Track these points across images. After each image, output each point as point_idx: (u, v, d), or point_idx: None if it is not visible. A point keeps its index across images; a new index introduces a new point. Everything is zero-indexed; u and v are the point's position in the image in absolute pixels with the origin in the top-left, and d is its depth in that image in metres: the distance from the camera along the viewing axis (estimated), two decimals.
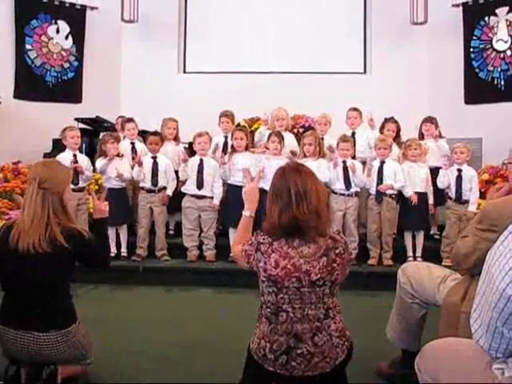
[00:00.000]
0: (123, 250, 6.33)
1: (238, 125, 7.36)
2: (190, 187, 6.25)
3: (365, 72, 10.31)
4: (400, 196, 6.17)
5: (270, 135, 6.26)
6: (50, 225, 2.83)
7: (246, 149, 6.29)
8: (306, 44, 10.08)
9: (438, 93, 9.40)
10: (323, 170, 5.96)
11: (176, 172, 6.42)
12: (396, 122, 6.68)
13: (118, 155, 6.29)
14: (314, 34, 10.13)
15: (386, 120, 6.71)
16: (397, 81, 9.64)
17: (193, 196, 6.21)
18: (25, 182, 6.74)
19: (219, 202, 6.24)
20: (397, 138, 6.60)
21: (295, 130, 7.62)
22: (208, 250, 6.27)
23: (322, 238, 2.44)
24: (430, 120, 6.70)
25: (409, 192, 6.05)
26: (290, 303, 2.43)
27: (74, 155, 6.20)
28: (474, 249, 2.65)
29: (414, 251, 6.18)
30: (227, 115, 6.83)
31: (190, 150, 6.81)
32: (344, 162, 6.11)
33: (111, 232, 6.20)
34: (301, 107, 8.11)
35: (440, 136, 6.57)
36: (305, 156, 6.12)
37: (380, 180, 6.10)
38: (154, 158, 6.30)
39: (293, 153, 6.21)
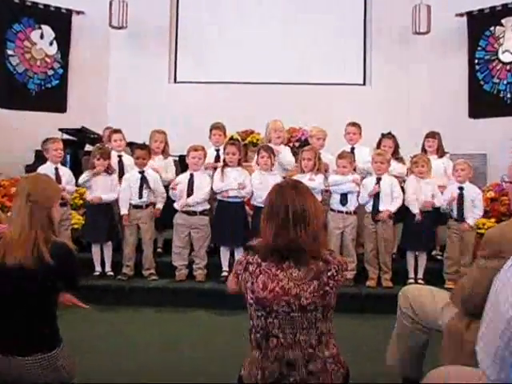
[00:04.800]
0: (108, 268, 6.32)
1: (231, 138, 7.43)
2: (180, 201, 6.24)
3: (364, 83, 10.33)
4: (403, 213, 6.18)
5: (258, 150, 6.33)
6: (37, 240, 2.81)
7: (239, 164, 6.34)
8: (302, 54, 10.13)
9: (441, 106, 9.43)
10: (319, 185, 6.03)
11: (165, 187, 6.43)
12: (393, 137, 6.70)
13: (107, 171, 6.30)
14: (311, 44, 10.18)
15: (383, 136, 6.73)
16: (397, 93, 9.70)
17: (184, 213, 6.22)
18: (4, 195, 6.73)
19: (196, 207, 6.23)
20: (395, 153, 6.62)
21: (290, 144, 7.71)
22: (198, 270, 6.27)
23: (313, 261, 2.42)
24: (433, 135, 6.76)
25: (414, 209, 6.08)
26: (280, 328, 2.41)
27: (56, 168, 6.22)
28: (480, 281, 2.58)
29: (416, 273, 6.20)
30: (218, 127, 6.83)
31: (181, 164, 6.90)
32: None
33: (96, 250, 6.25)
34: (296, 120, 8.18)
35: (442, 152, 6.67)
36: (302, 171, 6.17)
37: (377, 196, 6.13)
38: (142, 172, 6.33)
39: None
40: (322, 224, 2.51)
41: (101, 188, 6.27)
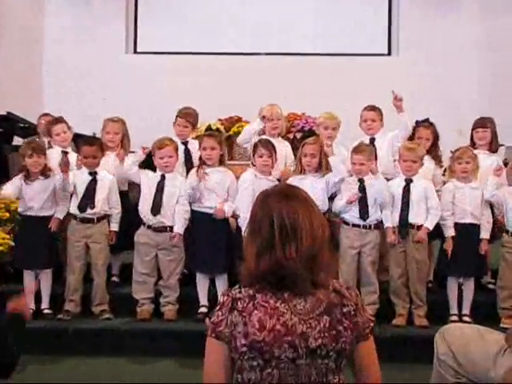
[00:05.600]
0: (45, 305, 6.29)
1: (209, 128, 7.43)
2: (143, 213, 6.31)
3: (389, 53, 10.33)
4: (440, 227, 6.25)
5: (255, 146, 6.37)
6: None
7: (221, 162, 6.38)
8: (304, 17, 10.18)
9: (495, 83, 9.40)
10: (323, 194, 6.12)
11: (122, 194, 6.53)
12: (432, 125, 6.75)
13: (43, 173, 6.31)
14: (317, 2, 10.25)
15: (418, 123, 6.78)
16: (434, 66, 9.68)
17: (149, 228, 6.26)
18: None
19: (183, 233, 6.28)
20: (432, 147, 6.70)
21: (290, 136, 7.74)
22: (167, 305, 6.26)
23: (322, 290, 2.46)
24: (484, 123, 6.79)
25: (449, 229, 6.17)
26: (280, 381, 2.39)
27: None
28: None
29: (460, 308, 6.21)
30: (187, 114, 6.88)
31: (145, 163, 6.79)
32: (360, 181, 6.18)
33: (29, 279, 6.22)
34: (299, 103, 8.15)
35: (496, 146, 6.73)
36: (303, 171, 6.24)
37: (405, 205, 6.17)
38: (93, 173, 6.37)
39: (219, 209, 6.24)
40: (324, 242, 2.50)
41: (37, 198, 6.27)
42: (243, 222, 5.95)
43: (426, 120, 6.81)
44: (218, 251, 6.17)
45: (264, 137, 6.59)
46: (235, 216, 6.26)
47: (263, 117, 6.67)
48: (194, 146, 6.71)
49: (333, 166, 6.16)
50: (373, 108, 6.81)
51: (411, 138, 6.69)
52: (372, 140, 6.72)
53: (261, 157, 6.21)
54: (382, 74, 9.23)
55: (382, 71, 9.42)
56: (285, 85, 8.82)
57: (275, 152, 6.28)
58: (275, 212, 2.45)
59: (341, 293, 2.48)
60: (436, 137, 6.74)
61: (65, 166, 6.14)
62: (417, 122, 6.80)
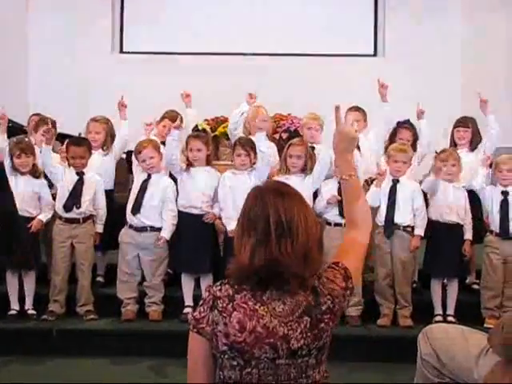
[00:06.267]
0: (29, 306, 6.28)
1: (196, 128, 7.45)
2: (127, 212, 6.31)
3: (375, 54, 10.36)
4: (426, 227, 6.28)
5: (234, 145, 6.41)
6: None
7: (208, 162, 6.40)
8: (290, 17, 10.17)
9: (478, 82, 9.14)
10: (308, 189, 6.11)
11: (108, 193, 6.55)
12: (412, 127, 6.84)
13: (35, 174, 6.34)
14: (304, 3, 10.26)
15: (399, 124, 6.82)
16: (418, 66, 9.73)
17: (131, 227, 6.27)
18: None
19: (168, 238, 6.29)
20: (413, 147, 6.72)
21: (276, 136, 7.74)
22: (152, 305, 6.26)
23: (302, 291, 2.45)
24: (465, 123, 6.83)
25: (418, 229, 6.19)
26: (259, 380, 2.40)
27: None
28: None
29: (444, 307, 6.22)
30: (172, 117, 6.77)
31: (128, 162, 7.01)
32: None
33: (12, 280, 6.24)
34: (284, 104, 8.19)
35: (477, 144, 6.75)
36: (287, 172, 6.26)
37: (391, 206, 6.20)
38: (80, 173, 6.39)
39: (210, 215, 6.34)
40: (317, 240, 2.50)
41: (24, 199, 6.20)
42: (228, 220, 6.05)
43: (407, 121, 6.87)
44: (203, 251, 6.17)
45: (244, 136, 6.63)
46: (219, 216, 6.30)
47: (249, 96, 6.79)
48: None
49: (319, 152, 6.29)
50: (357, 109, 6.89)
51: (391, 139, 6.78)
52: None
53: (239, 156, 6.24)
54: (367, 74, 9.04)
55: (368, 72, 9.34)
56: (271, 85, 8.82)
57: (254, 151, 6.26)
58: (271, 208, 2.43)
59: (317, 291, 2.46)
60: (415, 138, 6.82)
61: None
62: (398, 123, 6.84)
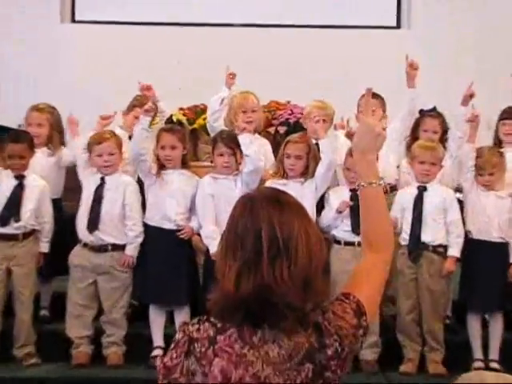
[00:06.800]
0: None
1: (170, 120, 6.96)
2: (79, 228, 5.76)
3: (398, 26, 10.07)
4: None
5: (214, 141, 5.93)
6: None
7: (184, 164, 5.90)
8: None
9: None
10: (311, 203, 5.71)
11: (55, 202, 6.03)
12: (440, 115, 6.34)
13: None
14: None
15: (423, 113, 6.40)
16: (448, 40, 9.28)
17: (85, 246, 5.71)
18: None
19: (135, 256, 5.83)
20: (442, 142, 6.21)
21: (271, 130, 7.27)
22: (111, 346, 5.71)
23: (302, 330, 2.20)
24: None
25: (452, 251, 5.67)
26: None
27: None
28: None
29: (486, 351, 5.70)
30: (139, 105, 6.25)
31: None
32: (353, 191, 5.66)
33: None
34: (283, 89, 7.70)
35: None
36: (285, 176, 5.78)
37: (418, 220, 5.71)
38: (19, 177, 5.84)
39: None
40: (321, 262, 2.26)
41: None
42: (208, 239, 5.63)
43: (434, 109, 6.53)
44: (177, 276, 5.70)
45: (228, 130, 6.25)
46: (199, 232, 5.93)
47: (229, 76, 6.29)
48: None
49: (322, 149, 5.85)
50: (374, 95, 6.08)
51: (414, 132, 6.28)
52: None
53: (221, 155, 5.76)
54: (388, 51, 8.73)
55: (389, 48, 8.91)
56: (265, 64, 8.38)
57: (240, 149, 5.78)
58: (264, 221, 2.23)
59: (321, 330, 2.21)
60: (445, 130, 6.27)
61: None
62: (421, 112, 6.45)
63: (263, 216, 2.24)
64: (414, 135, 6.21)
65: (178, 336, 2.24)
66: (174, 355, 2.24)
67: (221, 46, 8.77)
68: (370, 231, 2.48)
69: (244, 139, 5.93)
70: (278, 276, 2.16)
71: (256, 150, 5.95)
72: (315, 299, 2.23)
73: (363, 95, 6.11)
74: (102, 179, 5.76)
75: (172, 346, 2.26)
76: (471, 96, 6.05)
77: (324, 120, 6.18)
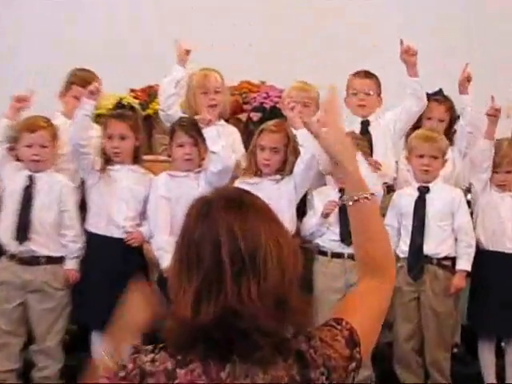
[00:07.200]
0: None
1: (120, 104, 6.50)
2: (3, 236, 5.28)
3: None
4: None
5: (172, 130, 5.43)
6: None
7: (136, 158, 5.45)
8: None
9: None
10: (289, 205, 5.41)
11: None
12: (448, 100, 5.89)
13: None
14: None
15: (430, 97, 5.86)
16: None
17: (12, 258, 5.22)
18: None
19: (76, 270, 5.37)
20: (449, 131, 5.83)
21: (242, 116, 6.83)
22: (45, 382, 5.30)
23: (281, 361, 1.93)
24: None
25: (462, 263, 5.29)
26: None
27: None
28: None
29: (501, 381, 5.39)
30: (87, 80, 5.57)
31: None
32: (342, 191, 5.11)
33: None
34: (256, 67, 7.22)
35: None
36: (258, 173, 5.35)
37: (419, 228, 5.31)
38: None
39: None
40: (296, 278, 1.98)
41: None
42: (160, 251, 5.19)
43: (440, 92, 6.02)
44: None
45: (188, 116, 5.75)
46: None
47: (184, 52, 5.71)
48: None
49: (301, 141, 5.37)
50: (367, 74, 5.86)
51: (418, 121, 5.82)
52: (365, 124, 5.81)
53: (181, 146, 5.30)
54: (383, 19, 7.90)
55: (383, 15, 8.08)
56: (233, 34, 7.59)
57: (203, 139, 5.33)
58: (223, 229, 1.93)
59: (305, 360, 1.96)
60: (453, 117, 5.88)
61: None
62: (428, 96, 5.90)
63: (222, 223, 2.00)
64: (417, 124, 5.79)
65: (128, 367, 1.92)
66: None
67: (182, 12, 7.93)
68: (365, 248, 2.24)
69: (210, 132, 5.45)
70: (245, 295, 1.94)
71: (224, 144, 5.48)
72: (293, 321, 1.99)
73: (353, 74, 5.55)
74: (31, 178, 5.28)
75: (118, 379, 1.94)
76: (468, 80, 5.68)
77: (306, 104, 5.67)
